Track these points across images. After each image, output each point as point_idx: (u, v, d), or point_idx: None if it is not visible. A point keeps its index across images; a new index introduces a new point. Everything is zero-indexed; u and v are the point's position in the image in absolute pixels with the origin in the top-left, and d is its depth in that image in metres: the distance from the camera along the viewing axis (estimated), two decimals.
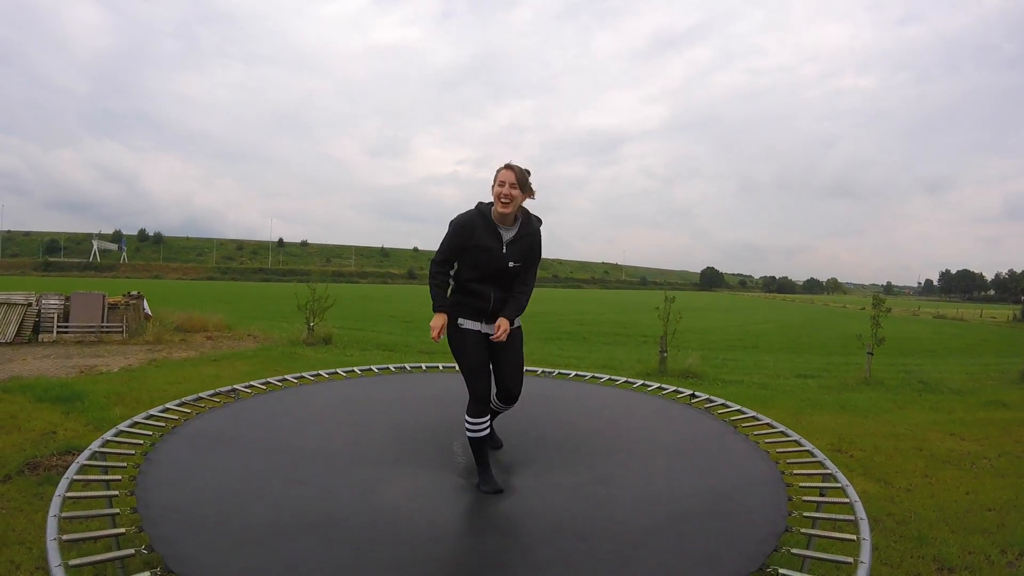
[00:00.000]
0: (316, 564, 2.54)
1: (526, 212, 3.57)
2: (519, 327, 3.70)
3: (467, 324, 3.55)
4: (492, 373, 3.66)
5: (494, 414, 3.91)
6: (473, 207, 3.51)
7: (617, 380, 6.14)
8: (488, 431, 3.57)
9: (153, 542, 2.58)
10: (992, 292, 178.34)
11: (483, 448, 3.53)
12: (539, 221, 3.63)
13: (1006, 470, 5.67)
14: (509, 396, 3.76)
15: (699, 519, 3.06)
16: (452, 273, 3.57)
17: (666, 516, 3.12)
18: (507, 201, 3.37)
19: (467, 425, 3.53)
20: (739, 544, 2.74)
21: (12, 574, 3.34)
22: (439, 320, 3.47)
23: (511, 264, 3.49)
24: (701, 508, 3.19)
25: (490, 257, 3.45)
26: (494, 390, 3.72)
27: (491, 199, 3.47)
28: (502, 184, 3.36)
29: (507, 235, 3.48)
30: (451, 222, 3.48)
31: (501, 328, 3.47)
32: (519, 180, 3.39)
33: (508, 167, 3.40)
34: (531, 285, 3.66)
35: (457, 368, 3.67)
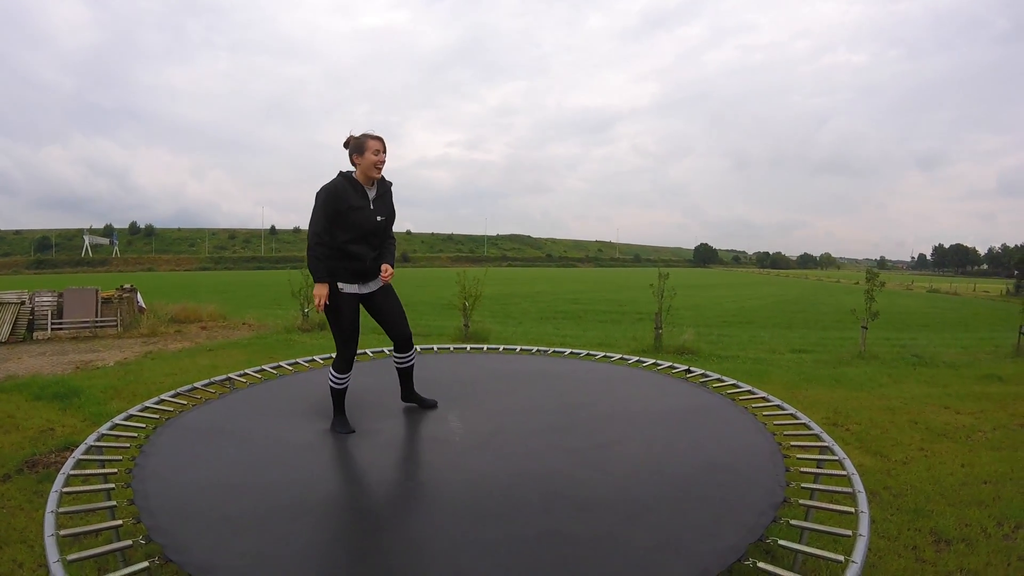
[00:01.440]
0: (315, 546, 2.54)
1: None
2: (388, 284, 4.14)
3: (346, 288, 3.94)
4: (384, 326, 4.21)
5: (405, 373, 4.38)
6: (336, 176, 3.90)
7: (612, 357, 6.15)
8: (347, 385, 4.07)
9: (151, 532, 2.58)
10: (985, 266, 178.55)
11: (341, 398, 4.07)
12: (390, 183, 4.09)
13: (1001, 443, 5.69)
14: (404, 340, 4.25)
15: (697, 490, 3.07)
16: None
17: (664, 487, 3.12)
18: (381, 166, 3.89)
19: (332, 378, 4.04)
20: (738, 515, 2.75)
21: (15, 573, 3.34)
22: (322, 289, 3.85)
23: (379, 218, 3.95)
24: (699, 479, 3.20)
25: (363, 215, 3.87)
26: (391, 346, 4.32)
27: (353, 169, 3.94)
28: (377, 152, 3.84)
29: (371, 194, 3.94)
30: (319, 192, 3.83)
31: (388, 271, 3.98)
32: (385, 147, 3.89)
33: (377, 137, 3.87)
34: (393, 239, 4.16)
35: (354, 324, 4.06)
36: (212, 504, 2.94)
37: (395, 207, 4.12)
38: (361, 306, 4.11)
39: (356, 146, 3.88)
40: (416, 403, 4.43)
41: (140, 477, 3.16)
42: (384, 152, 3.88)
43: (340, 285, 3.92)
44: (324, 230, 3.81)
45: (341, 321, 3.98)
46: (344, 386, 4.06)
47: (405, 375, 4.40)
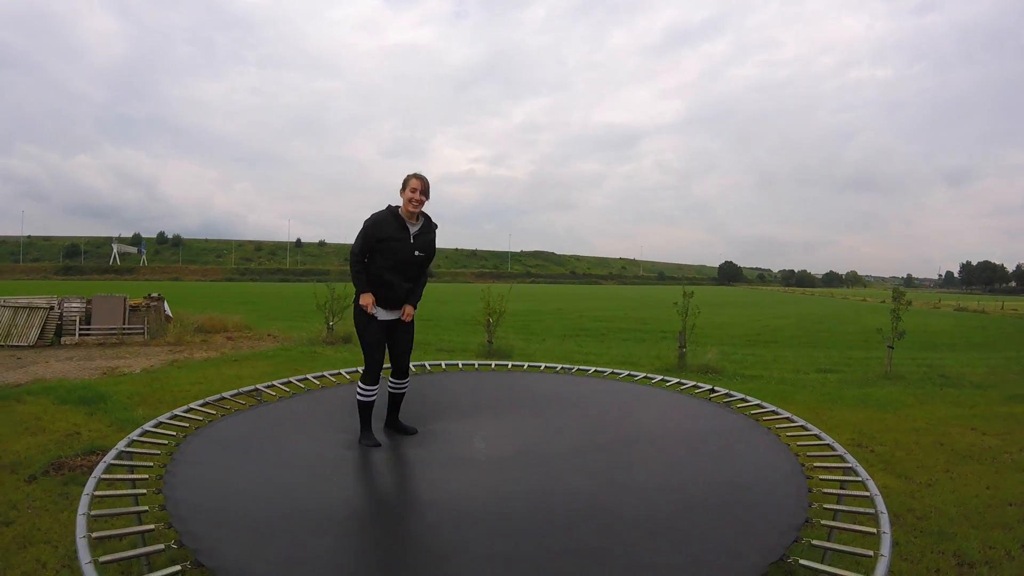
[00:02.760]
0: (341, 556, 2.58)
1: (426, 215, 4.39)
2: (412, 320, 4.52)
3: (376, 312, 4.31)
4: (391, 353, 4.52)
5: (397, 398, 4.64)
6: (384, 208, 4.27)
7: (636, 376, 6.14)
8: (374, 399, 4.37)
9: (182, 537, 2.62)
10: (1013, 284, 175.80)
11: (368, 411, 4.36)
12: (435, 225, 4.45)
13: None
14: (403, 371, 4.56)
15: (720, 510, 3.06)
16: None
17: (687, 507, 3.13)
18: (417, 204, 4.21)
19: (360, 390, 4.35)
20: (760, 535, 2.75)
21: (38, 572, 3.39)
22: (368, 298, 4.27)
23: (416, 253, 4.30)
24: (722, 499, 3.19)
25: (401, 246, 4.23)
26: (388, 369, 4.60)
27: (400, 201, 4.27)
28: (414, 191, 4.18)
29: (413, 229, 4.28)
30: (366, 220, 4.24)
31: (407, 312, 4.42)
32: (424, 188, 4.21)
33: (417, 177, 4.22)
34: (426, 278, 4.54)
35: (363, 344, 4.41)
36: (241, 512, 2.99)
37: (435, 247, 4.49)
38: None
39: (403, 183, 4.25)
40: (396, 430, 4.58)
41: (171, 484, 3.22)
42: (421, 193, 4.21)
43: (375, 308, 4.31)
44: (361, 251, 4.25)
45: (366, 335, 4.36)
46: (371, 399, 4.36)
47: (396, 400, 4.65)
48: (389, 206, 4.29)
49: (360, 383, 4.38)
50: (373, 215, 4.25)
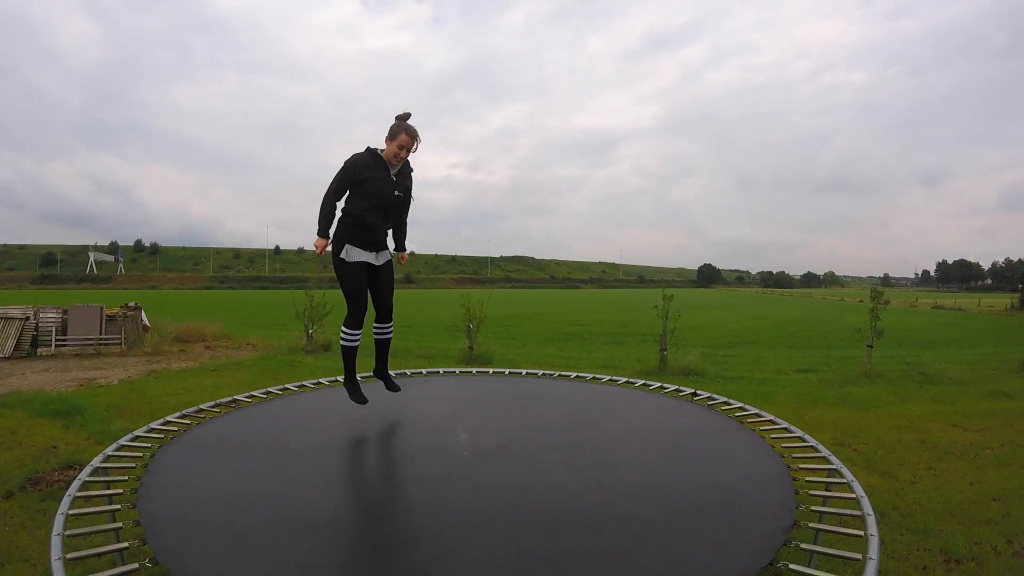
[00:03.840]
0: (321, 563, 2.53)
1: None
2: (391, 260, 4.54)
3: (357, 255, 4.27)
4: (375, 297, 4.50)
5: (384, 344, 4.77)
6: (364, 149, 4.25)
7: (618, 380, 6.12)
8: (358, 343, 4.44)
9: (157, 554, 2.56)
10: (989, 281, 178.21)
11: (353, 359, 4.49)
12: (411, 168, 4.44)
13: (1010, 460, 5.66)
14: (388, 312, 4.60)
15: (706, 514, 3.04)
16: (344, 207, 4.27)
17: (673, 508, 3.10)
18: (403, 158, 4.23)
19: (344, 335, 4.41)
20: (748, 539, 2.73)
21: None
22: (322, 242, 4.22)
23: (396, 192, 4.29)
24: (708, 503, 3.17)
25: (383, 185, 4.22)
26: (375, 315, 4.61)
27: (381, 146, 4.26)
28: (402, 147, 4.17)
29: (393, 171, 4.27)
30: (345, 163, 4.19)
31: (404, 257, 4.62)
32: (414, 146, 4.23)
33: (409, 133, 4.17)
34: (406, 222, 4.60)
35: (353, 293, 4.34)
36: (217, 522, 2.92)
37: (412, 191, 4.49)
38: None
39: (392, 129, 4.21)
40: (384, 381, 4.83)
41: (145, 496, 3.14)
42: (408, 150, 4.22)
43: (351, 249, 4.26)
44: (336, 192, 4.21)
45: (351, 283, 4.30)
46: (355, 343, 4.43)
47: (383, 346, 4.78)
48: (368, 147, 4.26)
49: (344, 327, 4.38)
50: (353, 155, 4.21)
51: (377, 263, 4.39)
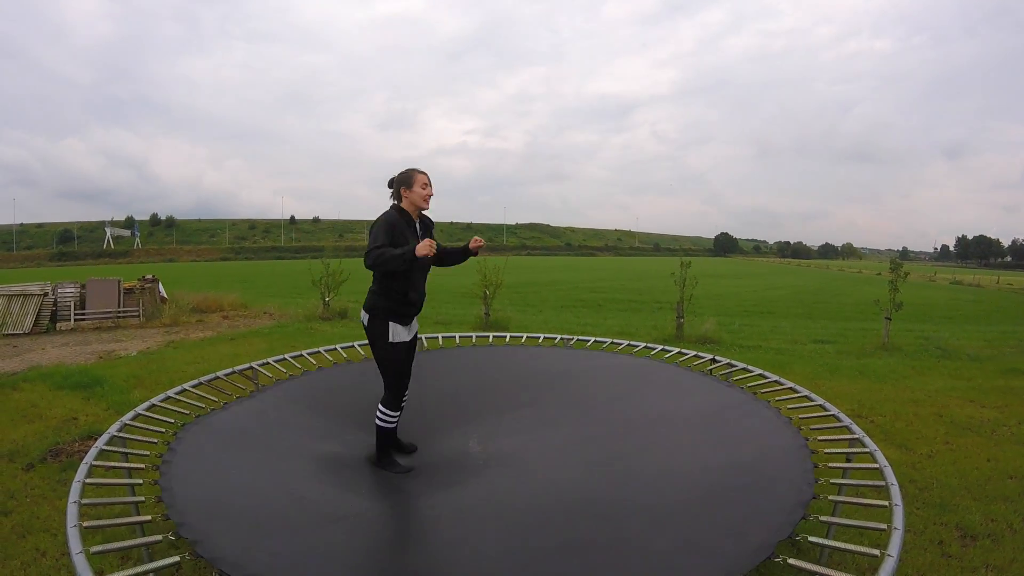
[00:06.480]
0: (344, 550, 2.55)
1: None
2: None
3: (402, 334, 3.89)
4: None
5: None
6: (389, 208, 3.87)
7: (636, 346, 6.09)
8: (396, 425, 3.96)
9: (180, 529, 2.58)
10: (1009, 258, 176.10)
11: (391, 440, 3.96)
12: (432, 221, 4.12)
13: None
14: (405, 388, 4.06)
15: (724, 491, 3.03)
16: (384, 282, 3.85)
17: (691, 490, 3.10)
18: (429, 199, 3.94)
19: (383, 415, 3.88)
20: (766, 514, 2.72)
21: (38, 561, 3.35)
22: (429, 242, 3.63)
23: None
24: (726, 480, 3.16)
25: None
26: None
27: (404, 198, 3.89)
28: (425, 186, 3.88)
29: (418, 227, 3.95)
30: (380, 220, 3.77)
31: (480, 240, 4.11)
32: (431, 182, 3.94)
33: (421, 171, 3.91)
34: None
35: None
36: (241, 505, 2.95)
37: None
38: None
39: (403, 180, 3.88)
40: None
41: (167, 475, 3.16)
42: (431, 186, 3.93)
43: (400, 330, 3.87)
44: (385, 243, 3.66)
45: (399, 366, 3.92)
46: (393, 425, 3.94)
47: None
48: (393, 204, 3.89)
49: (384, 407, 3.88)
50: (387, 215, 3.79)
51: (413, 338, 4.03)
